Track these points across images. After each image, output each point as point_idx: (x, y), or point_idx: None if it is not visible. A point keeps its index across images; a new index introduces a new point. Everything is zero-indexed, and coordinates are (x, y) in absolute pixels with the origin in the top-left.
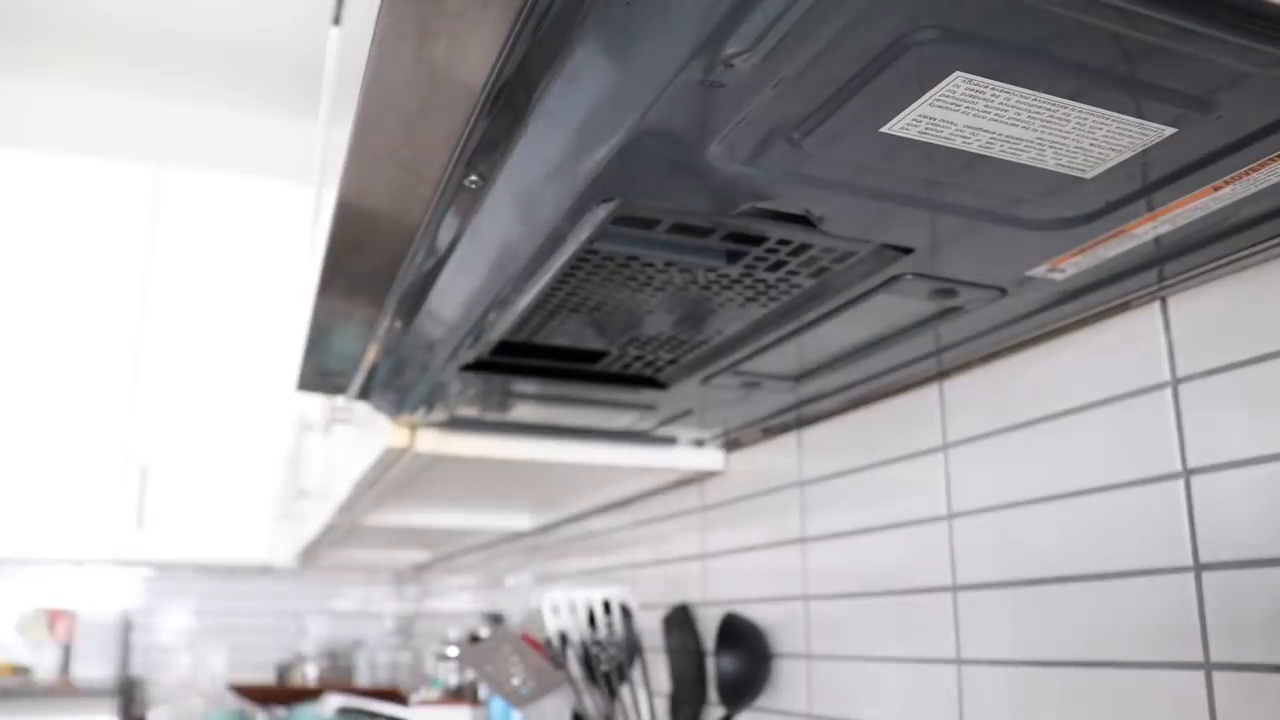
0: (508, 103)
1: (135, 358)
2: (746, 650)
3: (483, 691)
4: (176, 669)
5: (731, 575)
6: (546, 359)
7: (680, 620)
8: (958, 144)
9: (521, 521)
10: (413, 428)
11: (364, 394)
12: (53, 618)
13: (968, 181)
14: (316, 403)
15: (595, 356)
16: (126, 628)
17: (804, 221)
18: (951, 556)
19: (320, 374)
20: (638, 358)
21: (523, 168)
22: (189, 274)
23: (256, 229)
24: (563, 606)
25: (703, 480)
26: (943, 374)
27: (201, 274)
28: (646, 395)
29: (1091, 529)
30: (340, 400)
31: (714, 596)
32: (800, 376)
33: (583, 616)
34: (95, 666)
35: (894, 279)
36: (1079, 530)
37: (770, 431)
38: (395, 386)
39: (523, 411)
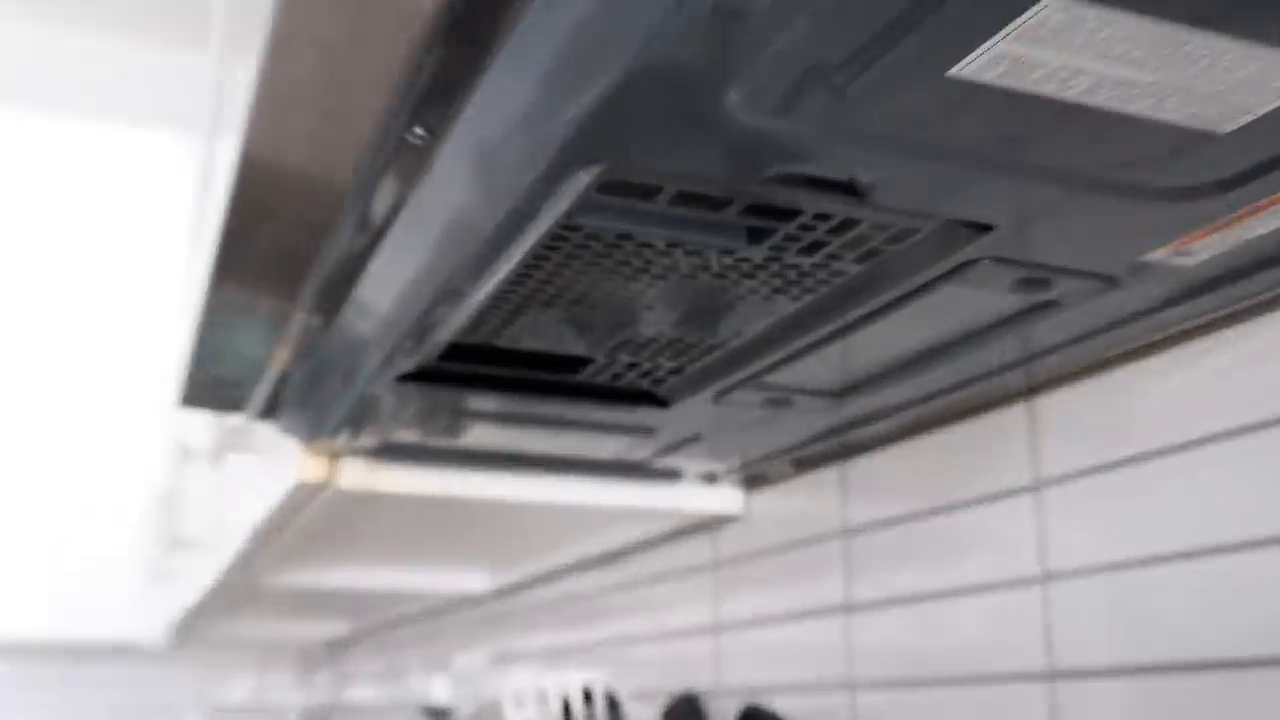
0: (466, 32)
1: None
2: None
3: None
4: None
5: (753, 654)
6: (511, 367)
7: (686, 714)
8: (1050, 90)
9: (476, 582)
10: (333, 456)
11: (269, 412)
12: None
13: (1064, 139)
14: (203, 423)
15: (576, 364)
16: None
17: (849, 190)
18: (1046, 632)
19: (210, 385)
20: (631, 366)
21: (484, 119)
22: (23, 248)
23: (120, 192)
24: (529, 696)
25: (715, 528)
26: (1033, 390)
27: (43, 249)
28: (642, 415)
29: (1237, 597)
30: (236, 420)
31: (730, 683)
32: (843, 392)
33: (556, 710)
34: None
35: (967, 265)
36: (1220, 599)
37: (804, 464)
38: (311, 402)
39: (479, 436)
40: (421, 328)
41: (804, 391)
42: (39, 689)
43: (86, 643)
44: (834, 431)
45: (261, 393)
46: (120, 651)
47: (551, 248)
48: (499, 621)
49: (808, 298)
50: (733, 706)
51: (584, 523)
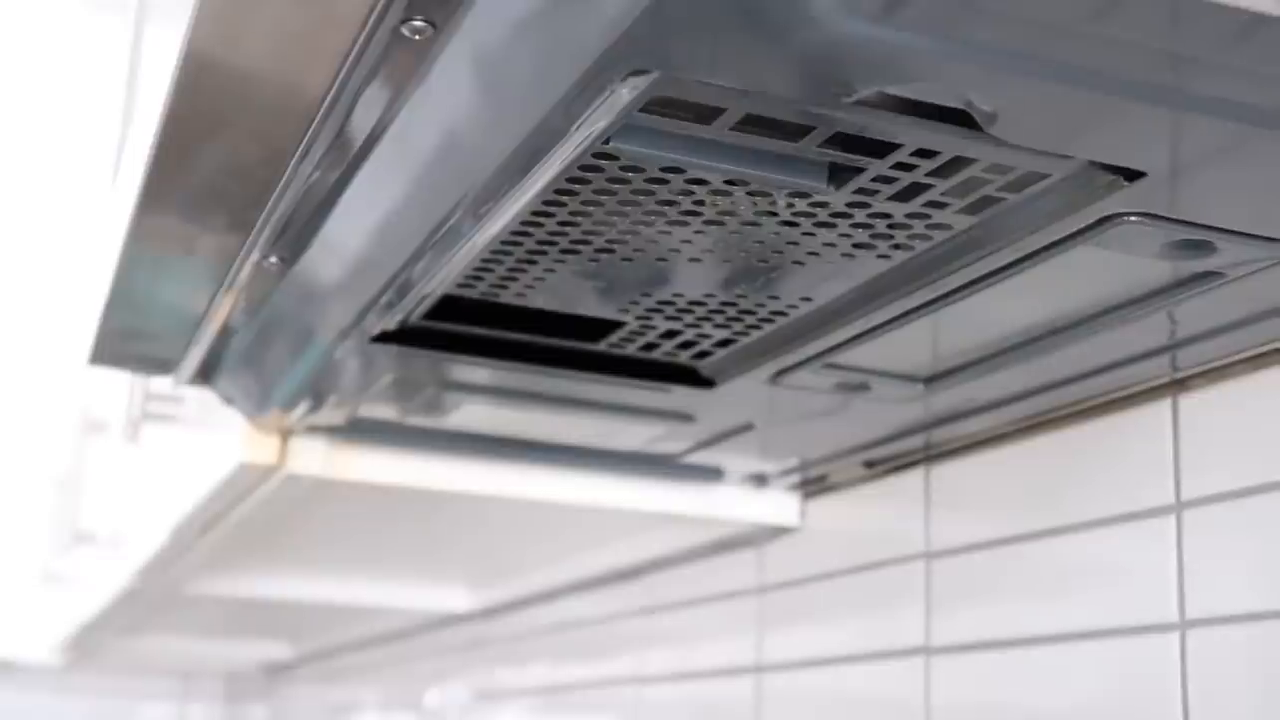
0: None
1: None
2: None
3: None
4: None
5: (804, 703)
6: (516, 330)
7: None
8: None
9: (455, 599)
10: (285, 434)
11: (204, 375)
12: None
13: (1243, 59)
14: (116, 388)
15: (598, 330)
16: None
17: (962, 120)
18: (1184, 689)
19: (129, 339)
20: (669, 334)
21: (500, 9)
22: None
23: (24, 80)
24: None
25: (762, 542)
26: (1179, 384)
27: None
28: (679, 396)
29: None
30: (160, 385)
31: None
32: (934, 378)
33: None
34: None
35: (1107, 221)
36: None
37: (879, 466)
38: (261, 365)
39: (470, 416)
40: (407, 276)
41: (885, 375)
42: None
43: None
44: (919, 427)
45: (197, 351)
46: (2, 670)
47: (578, 180)
48: (482, 650)
49: (899, 256)
50: None
51: (595, 529)
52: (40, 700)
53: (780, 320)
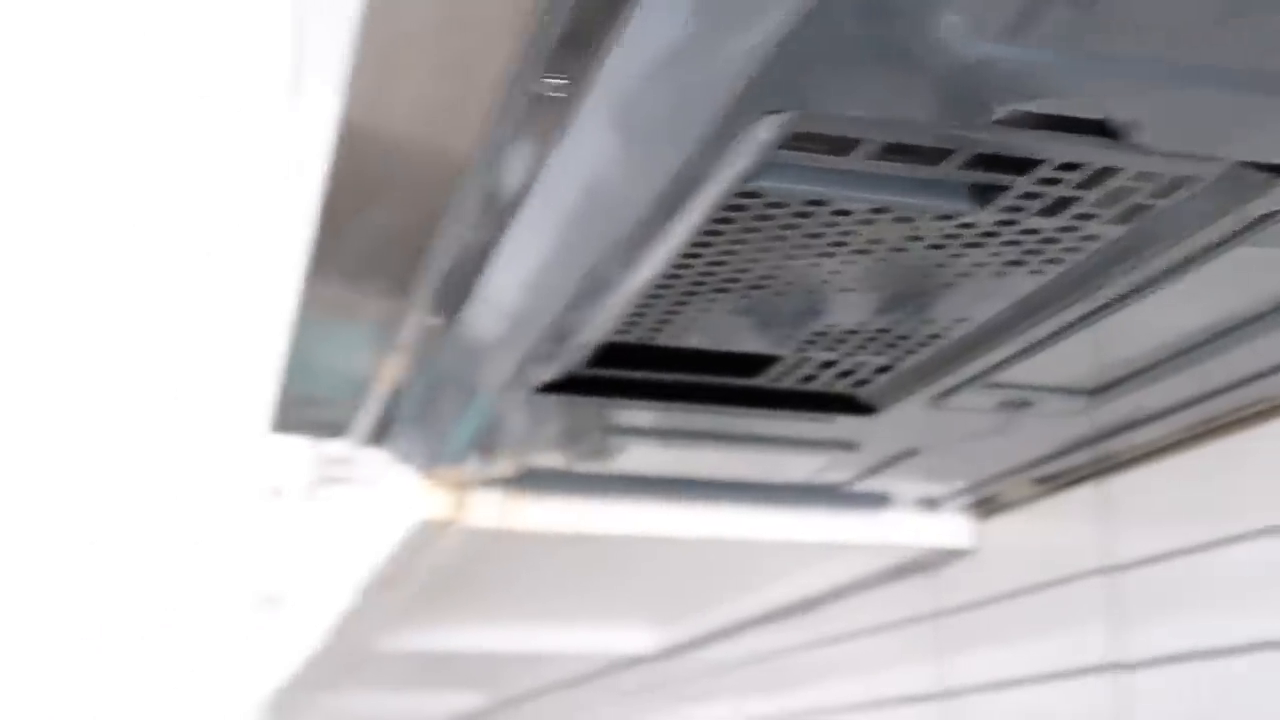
0: None
1: None
2: None
3: None
4: None
5: None
6: (675, 371)
7: None
8: None
9: (638, 640)
10: (460, 488)
11: (378, 436)
12: None
13: None
14: (294, 453)
15: (756, 365)
16: None
17: (1103, 131)
18: None
19: (305, 406)
20: (826, 365)
21: (637, 61)
22: (88, 252)
23: (193, 168)
24: None
25: (937, 566)
26: None
27: (109, 253)
28: (843, 426)
29: None
30: (337, 447)
31: None
32: (1099, 390)
33: None
34: None
35: (1266, 219)
36: None
37: (1051, 483)
38: (431, 422)
39: (637, 458)
40: (564, 326)
41: (1047, 390)
42: None
43: None
44: (1087, 441)
45: (369, 413)
46: None
47: (724, 220)
48: (667, 689)
49: (1051, 270)
50: None
51: (770, 563)
52: None
53: (937, 343)
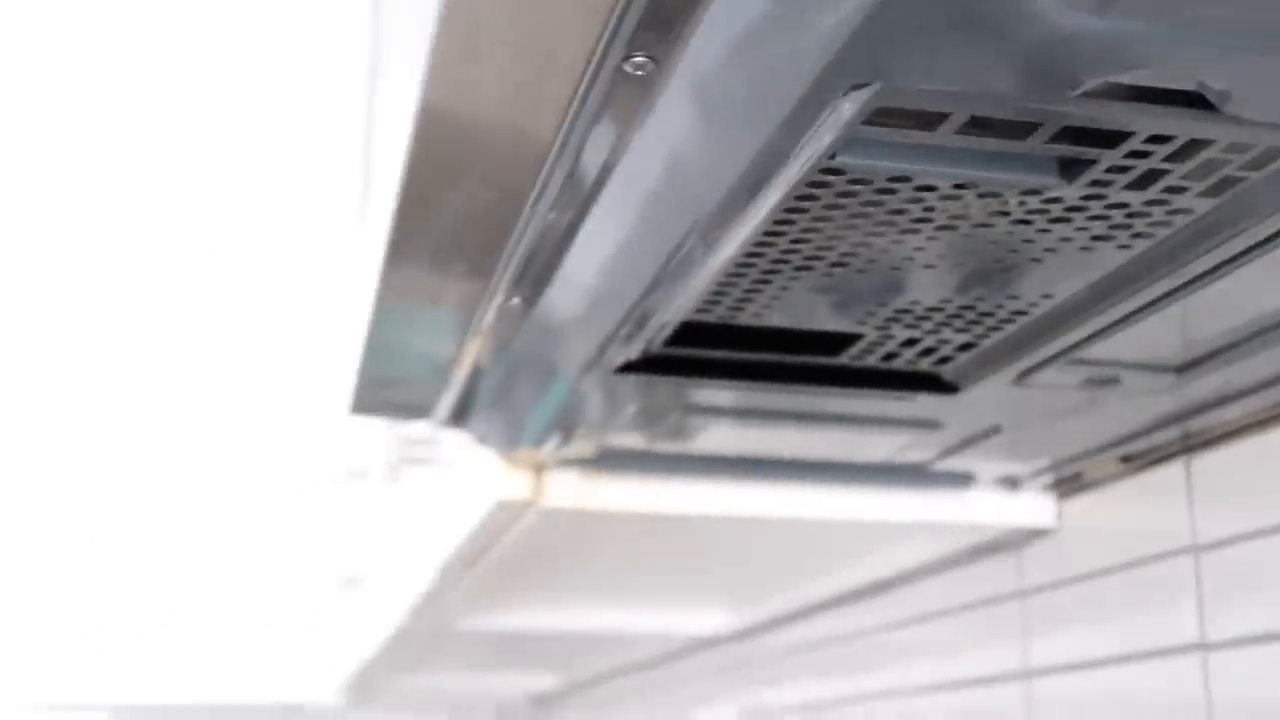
0: None
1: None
2: None
3: None
4: None
5: (1077, 707)
6: (756, 350)
7: None
8: None
9: (715, 621)
10: (539, 469)
11: (458, 418)
12: None
13: None
14: (375, 435)
15: (837, 344)
16: None
17: (1195, 102)
18: None
19: (385, 387)
20: (909, 343)
21: (720, 38)
22: (167, 234)
23: (253, 142)
24: None
25: (1020, 545)
26: None
27: (182, 232)
28: (924, 404)
29: None
30: (417, 429)
31: None
32: (1186, 366)
33: None
34: None
35: None
36: None
37: (1136, 461)
38: (511, 404)
39: (717, 438)
40: (644, 306)
41: (1134, 367)
42: None
43: (244, 706)
44: (1175, 418)
45: (449, 395)
46: (289, 713)
47: (807, 197)
48: (745, 670)
49: (1139, 245)
50: None
51: (850, 543)
52: None
53: (1021, 320)
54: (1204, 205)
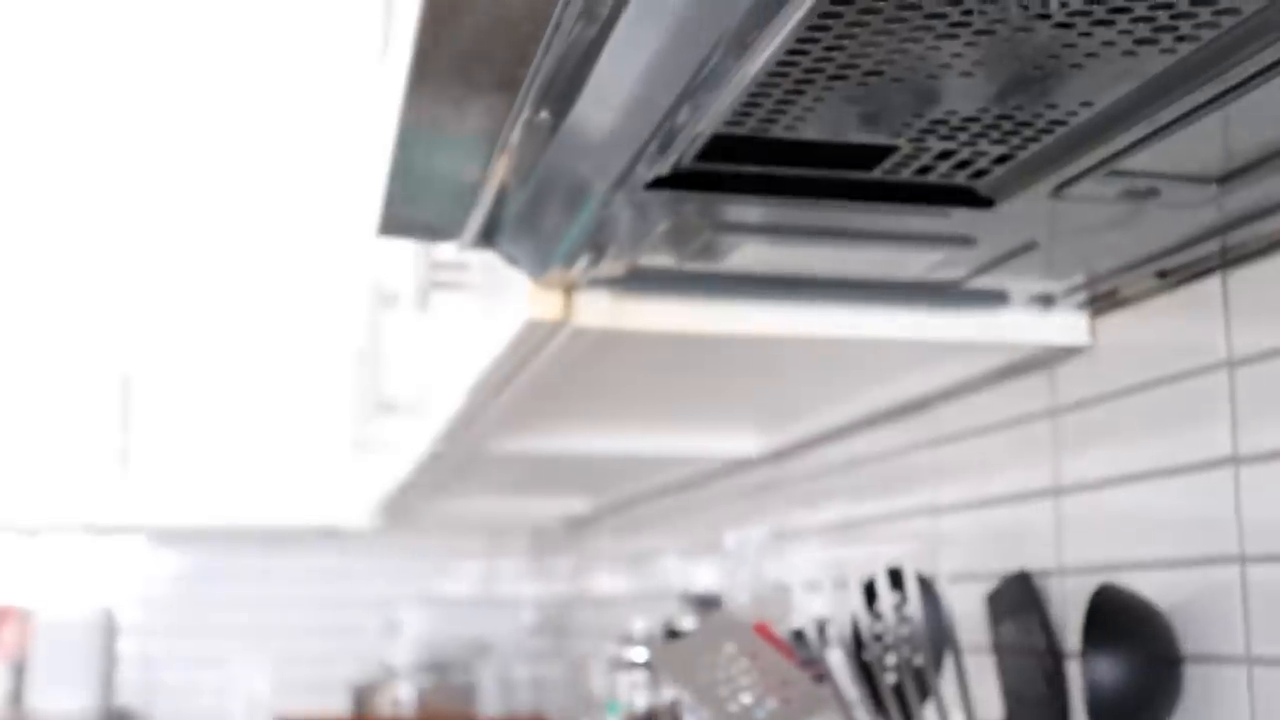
0: None
1: (99, 196)
2: (1136, 648)
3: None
4: (192, 696)
5: (1106, 524)
6: (788, 164)
7: (1018, 599)
8: None
9: (746, 444)
10: (568, 289)
11: (487, 239)
12: None
13: None
14: (404, 258)
15: (871, 157)
16: (110, 633)
17: None
18: None
19: (412, 208)
20: (944, 155)
21: None
22: (185, 69)
23: None
24: (822, 579)
25: (1053, 364)
26: None
27: (206, 64)
28: (959, 219)
29: None
30: (446, 251)
31: (1076, 559)
32: (1228, 176)
33: (855, 595)
34: (63, 694)
35: None
36: None
37: (1172, 276)
38: (539, 223)
39: (748, 256)
40: (675, 118)
41: (1174, 178)
42: (233, 579)
43: (283, 528)
44: (1214, 231)
45: (477, 215)
46: (324, 536)
47: (841, 1)
48: (776, 492)
49: (1184, 48)
50: (1080, 589)
51: (881, 363)
52: (361, 562)
53: (1060, 129)
54: (1252, 5)
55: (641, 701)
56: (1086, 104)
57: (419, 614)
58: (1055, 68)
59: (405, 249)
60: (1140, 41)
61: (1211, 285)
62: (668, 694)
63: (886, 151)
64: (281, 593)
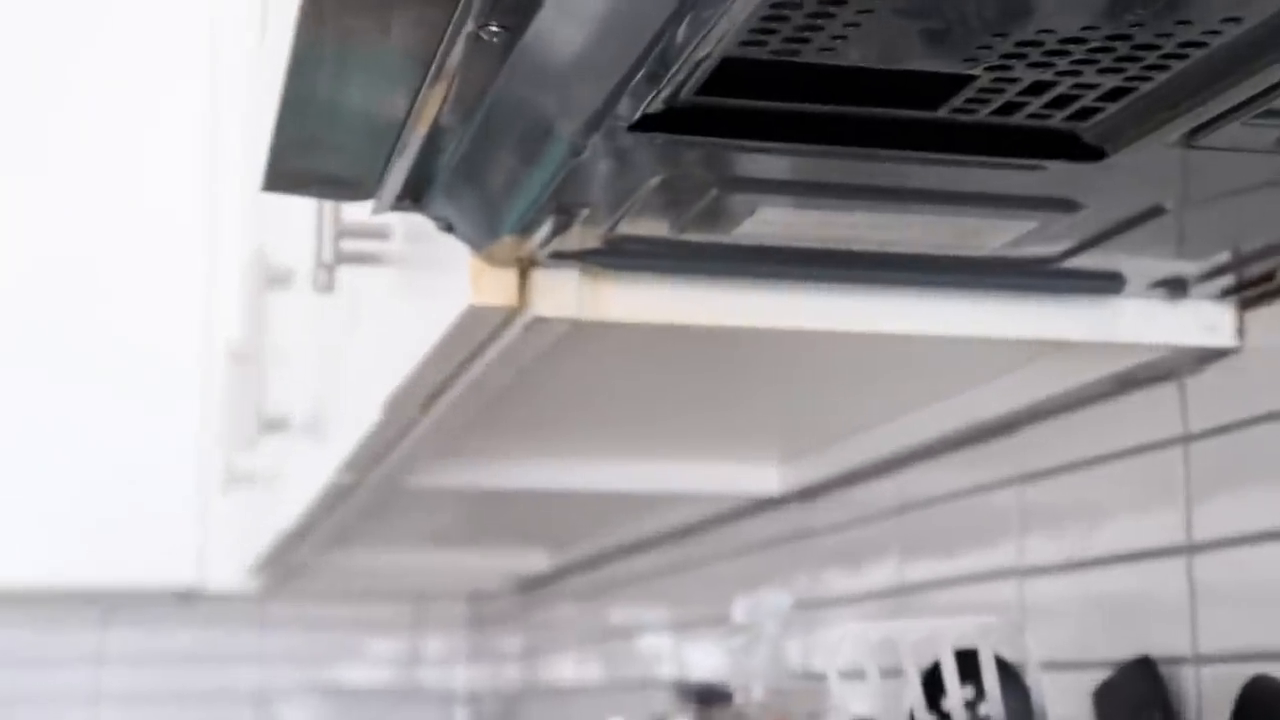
0: None
1: None
2: None
3: None
4: None
5: (1259, 592)
6: (823, 102)
7: (1138, 695)
8: None
9: (763, 478)
10: (525, 267)
11: (413, 197)
12: None
13: None
14: (299, 223)
15: (936, 90)
16: None
17: None
18: None
19: (310, 154)
20: (1036, 89)
21: None
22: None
23: None
24: (866, 665)
25: (1186, 373)
26: None
27: None
28: (1055, 174)
29: None
30: (356, 213)
31: (1217, 641)
32: None
33: (913, 687)
34: None
35: None
36: None
37: None
38: (485, 179)
39: (766, 224)
40: (672, 35)
41: None
42: (55, 658)
43: (122, 590)
44: None
45: (400, 165)
46: (179, 602)
47: None
48: (803, 544)
49: None
50: (1224, 682)
51: (947, 370)
52: (229, 638)
53: (1195, 55)
54: None
55: None
56: (1232, 19)
57: (309, 710)
58: None
59: (300, 210)
60: None
61: None
62: None
63: (958, 83)
64: (118, 678)
